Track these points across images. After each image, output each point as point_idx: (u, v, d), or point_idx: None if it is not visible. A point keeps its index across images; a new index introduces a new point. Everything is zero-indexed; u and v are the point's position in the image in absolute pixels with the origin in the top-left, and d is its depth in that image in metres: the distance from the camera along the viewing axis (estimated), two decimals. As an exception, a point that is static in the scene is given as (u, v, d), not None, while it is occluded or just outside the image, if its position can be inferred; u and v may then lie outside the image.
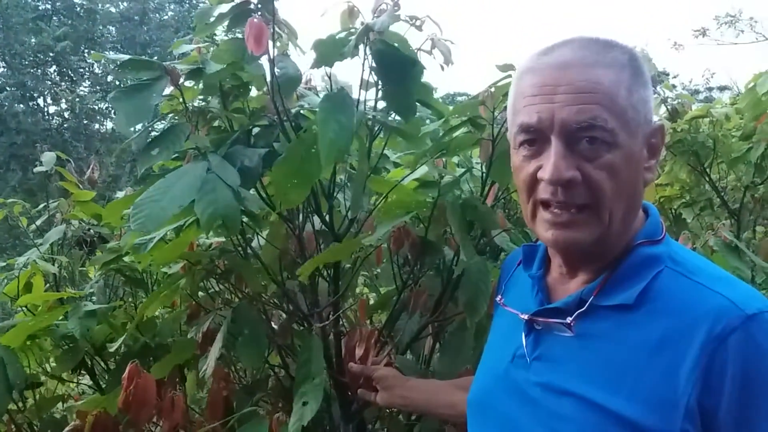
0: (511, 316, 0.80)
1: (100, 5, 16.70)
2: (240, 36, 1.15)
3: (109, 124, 15.45)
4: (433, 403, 1.06)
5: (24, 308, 1.65)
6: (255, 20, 1.07)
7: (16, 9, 14.83)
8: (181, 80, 1.20)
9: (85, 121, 15.41)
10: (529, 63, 0.72)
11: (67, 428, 1.35)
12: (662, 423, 0.62)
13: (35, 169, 1.85)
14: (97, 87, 16.03)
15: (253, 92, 1.34)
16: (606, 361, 0.67)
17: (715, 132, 2.55)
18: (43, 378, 1.71)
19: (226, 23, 1.18)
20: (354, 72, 1.19)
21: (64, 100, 15.54)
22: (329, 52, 1.11)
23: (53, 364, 1.65)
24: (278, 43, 1.23)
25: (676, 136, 2.56)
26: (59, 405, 1.75)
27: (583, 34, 0.71)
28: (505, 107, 0.83)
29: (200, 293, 1.54)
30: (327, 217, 1.29)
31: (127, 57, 1.19)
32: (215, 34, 1.39)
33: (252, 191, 1.22)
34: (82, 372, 1.70)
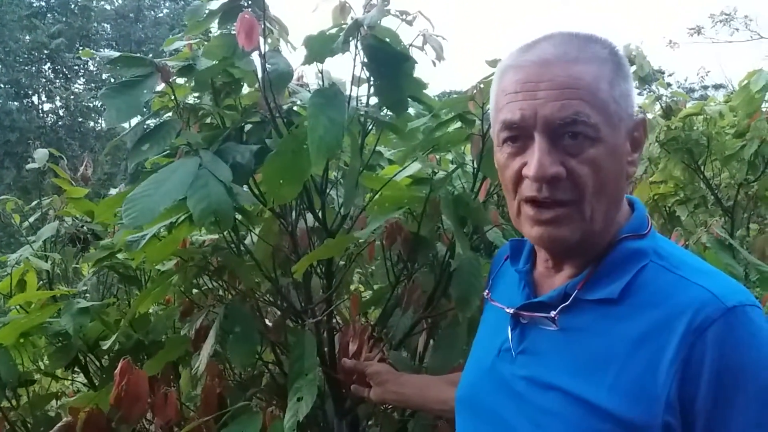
0: (498, 310, 0.81)
1: (94, 2, 16.65)
2: (232, 32, 1.15)
3: (104, 122, 15.40)
4: (425, 398, 1.07)
5: (18, 306, 1.64)
6: (245, 15, 1.07)
7: (10, 6, 14.76)
8: (173, 77, 1.19)
9: (80, 119, 15.37)
10: (511, 60, 0.72)
11: (59, 424, 1.34)
12: (644, 415, 0.62)
13: (28, 166, 1.84)
14: (92, 84, 15.99)
15: (245, 89, 1.34)
16: (589, 355, 0.67)
17: (709, 129, 2.56)
18: (36, 376, 1.71)
19: (217, 20, 1.18)
20: (347, 68, 1.19)
21: (58, 98, 15.48)
22: (320, 48, 1.11)
23: (47, 362, 1.65)
24: (269, 40, 1.23)
25: (670, 134, 2.57)
26: (53, 402, 1.75)
27: (563, 30, 0.71)
28: None
29: (194, 290, 1.54)
30: (320, 214, 1.29)
31: (117, 54, 1.18)
32: (210, 31, 1.39)
33: (244, 188, 1.22)
34: (76, 370, 1.70)
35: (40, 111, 15.80)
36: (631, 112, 0.71)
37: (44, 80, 15.71)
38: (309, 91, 1.36)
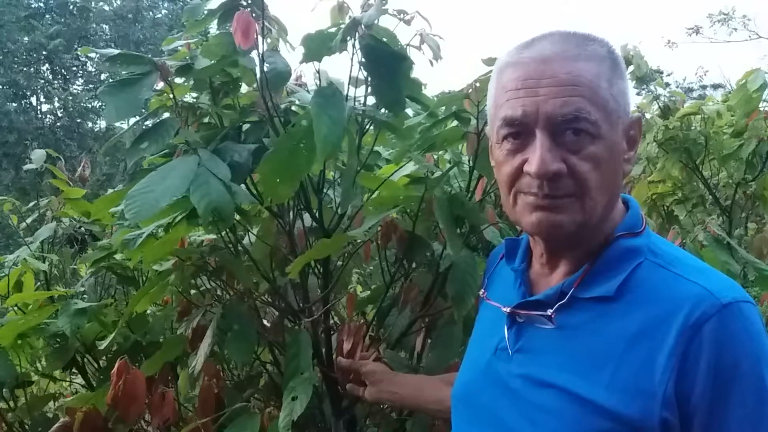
0: (494, 309, 0.81)
1: (93, 3, 16.64)
2: (231, 31, 1.15)
3: (102, 123, 15.40)
4: (420, 398, 1.07)
5: (15, 307, 1.64)
6: (242, 14, 1.07)
7: (9, 7, 14.75)
8: (171, 76, 1.19)
9: (78, 120, 15.36)
10: (510, 57, 0.72)
11: (56, 425, 1.34)
12: (641, 412, 0.62)
13: (25, 167, 1.84)
14: (91, 85, 15.97)
15: (244, 89, 1.34)
16: (586, 352, 0.68)
17: (706, 129, 2.56)
18: (34, 377, 1.70)
19: (216, 20, 1.18)
20: (345, 69, 1.19)
21: (56, 99, 15.47)
22: (318, 47, 1.11)
23: (45, 363, 1.64)
24: (268, 39, 1.23)
25: (668, 133, 2.57)
26: (51, 404, 1.75)
27: (560, 29, 0.72)
28: None
29: (192, 291, 1.53)
30: (317, 213, 1.29)
31: (116, 51, 1.18)
32: (208, 31, 1.39)
33: (242, 187, 1.22)
34: (74, 371, 1.69)
35: (38, 112, 15.79)
36: (628, 111, 0.72)
37: (42, 81, 15.71)
38: (307, 91, 1.36)
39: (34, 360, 1.69)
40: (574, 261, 0.73)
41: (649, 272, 0.69)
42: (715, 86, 15.74)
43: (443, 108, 1.30)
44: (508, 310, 0.76)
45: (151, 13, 17.49)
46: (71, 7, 16.09)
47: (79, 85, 16.55)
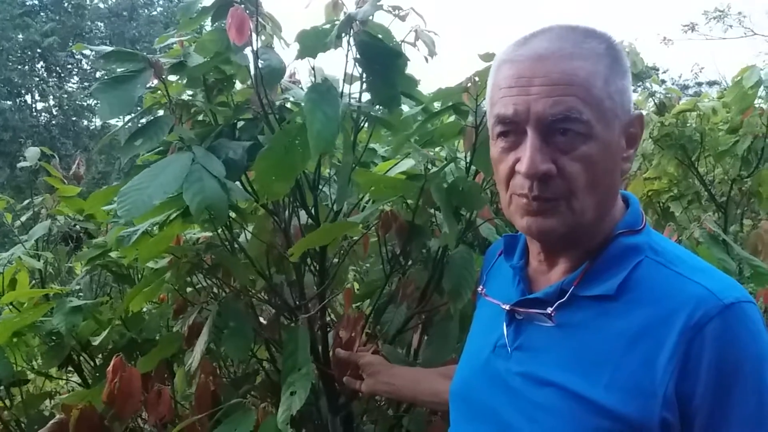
0: (492, 306, 0.80)
1: (88, 0, 16.56)
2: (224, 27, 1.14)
3: (98, 121, 15.35)
4: (416, 390, 1.07)
5: (9, 305, 1.64)
6: (237, 10, 1.07)
7: (3, 4, 14.68)
8: (165, 74, 1.19)
9: (74, 118, 15.31)
10: (506, 54, 0.72)
11: (51, 422, 1.34)
12: (641, 412, 0.62)
13: (19, 165, 1.83)
14: (86, 83, 15.91)
15: (238, 86, 1.33)
16: (586, 351, 0.67)
17: (702, 126, 2.57)
18: (30, 375, 1.70)
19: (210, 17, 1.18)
20: (339, 66, 1.19)
21: (51, 97, 15.41)
22: (312, 43, 1.11)
23: (40, 361, 1.64)
24: (262, 36, 1.23)
25: (663, 130, 2.58)
26: (47, 402, 1.74)
27: (562, 23, 0.71)
28: None
29: (188, 288, 1.53)
30: (313, 210, 1.29)
31: (110, 48, 1.18)
32: (203, 28, 1.38)
33: (237, 184, 1.22)
34: (70, 369, 1.69)
35: (33, 110, 15.72)
36: (628, 108, 0.70)
37: (37, 79, 15.64)
38: (302, 88, 1.36)
39: (29, 358, 1.69)
40: (573, 259, 0.73)
41: (650, 270, 0.68)
42: (711, 83, 15.77)
43: (438, 104, 1.29)
44: (507, 307, 0.76)
45: (146, 10, 17.44)
46: (66, 4, 16.02)
47: (74, 83, 16.49)
